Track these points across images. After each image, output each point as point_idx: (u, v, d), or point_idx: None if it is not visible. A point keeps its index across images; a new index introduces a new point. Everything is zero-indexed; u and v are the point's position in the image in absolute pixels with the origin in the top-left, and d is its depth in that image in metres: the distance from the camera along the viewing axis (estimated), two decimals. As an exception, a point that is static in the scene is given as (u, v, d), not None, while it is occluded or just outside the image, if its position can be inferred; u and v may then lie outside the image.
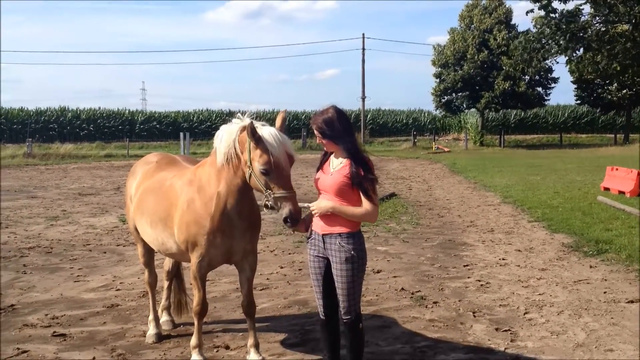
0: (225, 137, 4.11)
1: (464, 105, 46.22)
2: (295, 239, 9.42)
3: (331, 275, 3.85)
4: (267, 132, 3.90)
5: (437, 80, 45.29)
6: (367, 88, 58.46)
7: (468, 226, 10.87)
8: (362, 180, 3.70)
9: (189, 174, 4.56)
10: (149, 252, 5.34)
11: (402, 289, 6.70)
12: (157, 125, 50.57)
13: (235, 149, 4.05)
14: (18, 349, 4.99)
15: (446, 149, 40.03)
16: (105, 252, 8.85)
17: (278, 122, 4.07)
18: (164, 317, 5.56)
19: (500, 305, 6.09)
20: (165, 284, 5.64)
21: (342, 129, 3.76)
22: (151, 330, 5.24)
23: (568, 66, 18.25)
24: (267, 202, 3.85)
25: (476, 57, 42.07)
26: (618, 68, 17.29)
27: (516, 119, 52.73)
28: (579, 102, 49.59)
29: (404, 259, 8.22)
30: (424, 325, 5.51)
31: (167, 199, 4.59)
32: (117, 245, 9.33)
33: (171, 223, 4.49)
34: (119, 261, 8.27)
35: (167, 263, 5.61)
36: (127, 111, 51.90)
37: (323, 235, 3.83)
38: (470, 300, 6.28)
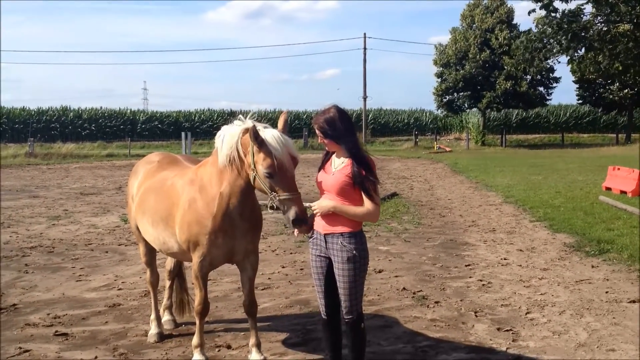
0: (228, 139, 4.08)
1: (466, 105, 46.25)
2: (296, 238, 9.41)
3: (333, 275, 3.85)
4: (269, 134, 3.87)
5: (439, 79, 45.32)
6: (368, 88, 58.52)
7: (470, 226, 10.87)
8: (363, 179, 3.70)
9: (191, 173, 4.56)
10: (150, 252, 5.34)
11: (404, 288, 6.70)
12: (159, 125, 50.60)
13: (238, 151, 4.02)
14: (20, 348, 5.00)
15: (447, 149, 40.02)
16: (107, 252, 8.86)
17: (280, 123, 4.03)
18: (165, 317, 5.56)
19: (501, 305, 6.09)
20: (167, 283, 5.64)
21: (344, 129, 3.75)
22: (153, 329, 5.25)
23: (570, 66, 18.18)
24: (272, 203, 3.84)
25: (478, 56, 42.09)
26: (620, 68, 17.26)
27: (518, 119, 52.69)
28: (580, 101, 49.56)
29: (405, 259, 8.22)
30: (425, 325, 5.51)
31: (168, 199, 4.59)
32: (119, 245, 9.34)
33: (172, 222, 4.49)
34: (121, 261, 8.27)
35: (169, 262, 5.62)
36: (128, 111, 52.04)
37: (325, 234, 3.82)
38: (472, 300, 6.28)
